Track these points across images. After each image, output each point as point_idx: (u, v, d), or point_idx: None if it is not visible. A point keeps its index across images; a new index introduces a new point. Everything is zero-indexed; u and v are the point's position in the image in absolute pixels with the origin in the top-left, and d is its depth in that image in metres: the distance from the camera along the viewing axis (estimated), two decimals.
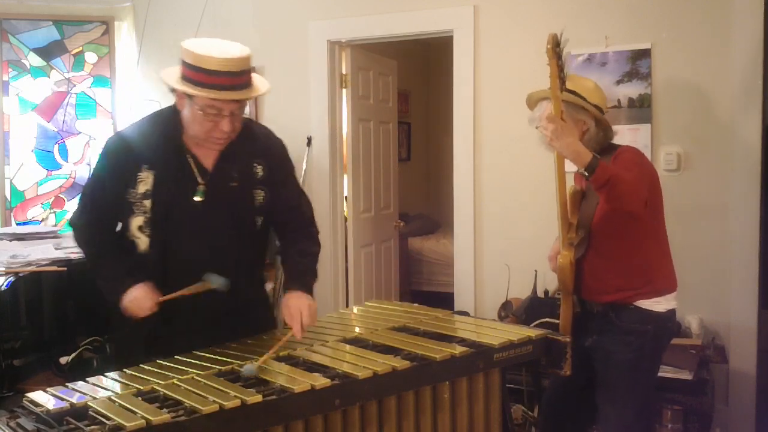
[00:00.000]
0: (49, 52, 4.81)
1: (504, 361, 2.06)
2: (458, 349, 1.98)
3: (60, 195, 4.90)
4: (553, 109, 2.27)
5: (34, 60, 4.79)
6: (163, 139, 2.15)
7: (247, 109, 2.32)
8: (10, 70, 4.73)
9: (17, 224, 4.72)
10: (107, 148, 2.23)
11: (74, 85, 4.87)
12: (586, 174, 2.18)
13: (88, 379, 1.81)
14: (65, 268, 3.28)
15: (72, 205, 4.91)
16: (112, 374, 1.86)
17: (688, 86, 3.47)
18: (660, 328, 2.43)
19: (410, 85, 7.15)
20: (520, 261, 3.78)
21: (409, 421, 1.88)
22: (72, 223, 2.30)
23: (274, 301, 3.49)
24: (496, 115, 3.89)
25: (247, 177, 2.20)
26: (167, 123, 2.17)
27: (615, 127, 2.54)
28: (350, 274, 4.50)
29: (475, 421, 2.02)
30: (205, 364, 1.89)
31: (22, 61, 4.76)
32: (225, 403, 1.57)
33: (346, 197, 4.56)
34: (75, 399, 1.64)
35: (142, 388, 1.71)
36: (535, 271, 3.56)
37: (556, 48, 2.19)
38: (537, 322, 3.14)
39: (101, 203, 2.20)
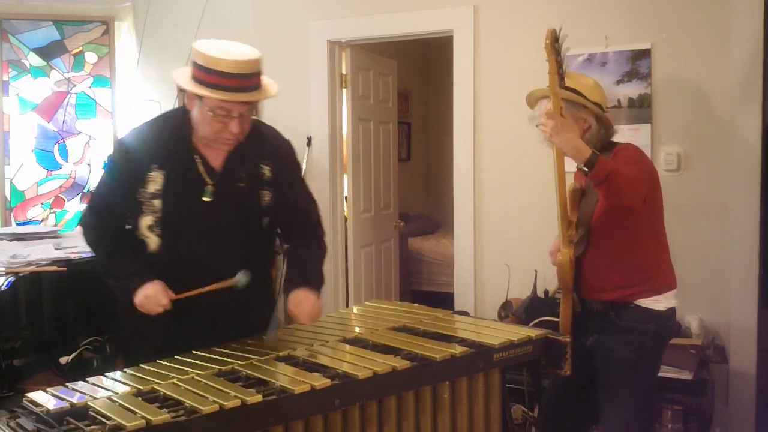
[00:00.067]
0: (49, 52, 4.81)
1: (504, 361, 2.06)
2: (458, 349, 1.98)
3: (60, 195, 4.90)
4: (552, 106, 2.26)
5: (34, 60, 4.79)
6: (172, 139, 2.17)
7: None
8: (10, 70, 4.73)
9: (17, 224, 4.72)
10: (117, 148, 2.26)
11: (74, 85, 4.87)
12: (586, 170, 2.18)
13: (88, 379, 1.81)
14: (65, 268, 3.28)
15: (72, 205, 4.91)
16: (112, 374, 1.86)
17: (688, 86, 3.47)
18: (660, 326, 2.43)
19: (410, 85, 7.15)
20: (520, 261, 3.78)
21: (409, 421, 1.88)
22: (82, 223, 2.31)
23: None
24: (496, 115, 3.89)
25: (254, 178, 2.22)
26: (177, 123, 2.19)
27: (615, 128, 2.54)
28: (350, 274, 4.51)
29: (475, 421, 2.02)
30: (205, 364, 1.89)
31: (22, 61, 4.76)
32: (225, 403, 1.57)
33: (346, 197, 4.56)
34: (75, 399, 1.64)
35: (142, 388, 1.71)
36: (535, 271, 3.56)
37: (554, 43, 2.19)
38: (537, 320, 3.14)
39: (111, 203, 2.21)
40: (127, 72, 4.89)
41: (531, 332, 2.17)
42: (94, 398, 1.65)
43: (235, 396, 1.61)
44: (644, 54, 3.53)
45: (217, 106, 2.03)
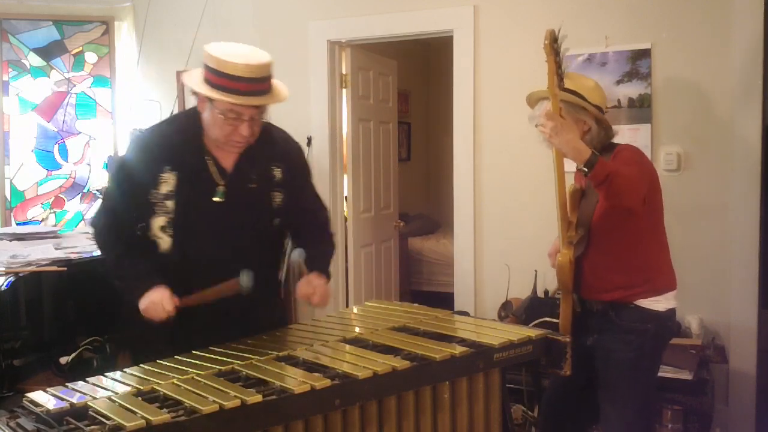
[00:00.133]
0: (49, 52, 4.82)
1: (504, 361, 2.06)
2: (458, 349, 1.97)
3: (60, 195, 4.90)
4: (552, 106, 2.26)
5: (34, 60, 4.79)
6: (184, 140, 2.19)
7: None
8: (10, 70, 4.73)
9: (17, 224, 4.72)
10: (130, 149, 2.28)
11: (74, 85, 4.87)
12: (585, 170, 2.18)
13: (88, 379, 1.81)
14: (65, 268, 3.27)
15: (72, 205, 4.92)
16: (112, 374, 1.86)
17: (688, 86, 3.47)
18: (660, 327, 2.43)
19: (410, 85, 7.15)
20: (520, 261, 3.78)
21: (409, 421, 1.88)
22: (93, 224, 2.33)
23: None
24: (496, 115, 3.90)
25: (265, 179, 2.25)
26: (188, 125, 2.21)
27: (615, 127, 2.54)
28: (350, 274, 4.51)
29: (475, 421, 2.02)
30: (205, 364, 1.89)
31: (22, 61, 4.76)
32: (225, 403, 1.56)
33: (346, 197, 4.56)
34: (75, 399, 1.64)
35: (142, 388, 1.71)
36: (535, 271, 3.56)
37: (553, 44, 2.19)
38: (536, 321, 3.14)
39: (123, 205, 2.23)
40: (127, 72, 4.89)
41: (531, 332, 2.17)
42: (94, 398, 1.65)
43: (235, 396, 1.60)
44: (644, 54, 3.53)
45: (228, 109, 2.06)
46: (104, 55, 4.91)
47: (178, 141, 2.19)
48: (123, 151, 4.75)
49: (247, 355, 1.94)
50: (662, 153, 3.52)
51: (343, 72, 4.43)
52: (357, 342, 2.09)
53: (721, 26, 3.39)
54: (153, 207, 2.15)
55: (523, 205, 3.85)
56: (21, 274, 3.13)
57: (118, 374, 1.86)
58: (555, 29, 2.20)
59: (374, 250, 4.82)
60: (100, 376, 1.84)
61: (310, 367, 1.86)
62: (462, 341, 2.07)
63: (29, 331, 3.18)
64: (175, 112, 4.50)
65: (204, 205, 2.18)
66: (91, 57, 4.89)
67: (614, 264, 2.42)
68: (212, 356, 1.96)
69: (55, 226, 4.72)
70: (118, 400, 1.62)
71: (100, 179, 4.89)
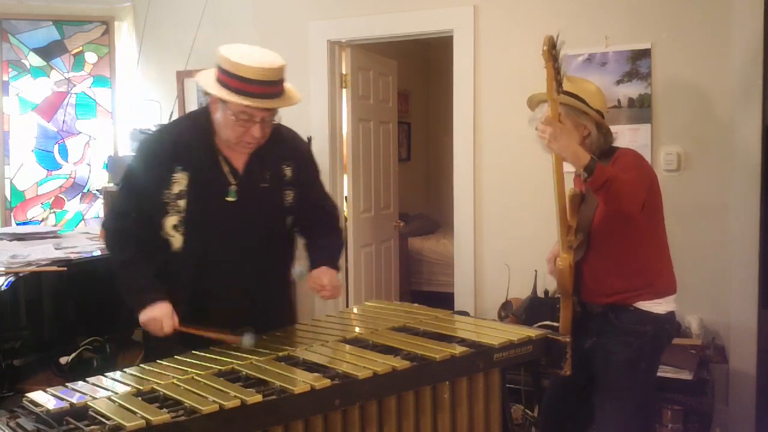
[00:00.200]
0: (49, 52, 4.82)
1: (504, 361, 2.06)
2: (458, 349, 1.97)
3: (60, 195, 4.90)
4: (550, 112, 2.27)
5: (34, 60, 4.79)
6: (196, 141, 2.22)
7: None
8: (10, 70, 4.73)
9: (17, 224, 4.72)
10: (142, 150, 2.30)
11: (74, 85, 4.87)
12: (585, 175, 2.19)
13: (88, 379, 1.81)
14: (65, 268, 3.28)
15: (72, 205, 4.92)
16: (112, 374, 1.86)
17: (688, 86, 3.47)
18: (659, 329, 2.43)
19: (410, 85, 7.15)
20: (520, 261, 3.78)
21: (409, 421, 1.88)
22: (104, 225, 2.36)
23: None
24: (496, 115, 3.89)
25: (276, 178, 2.28)
26: (200, 125, 2.23)
27: (615, 127, 2.55)
28: (350, 274, 4.50)
29: (475, 421, 2.02)
30: (205, 364, 1.89)
31: (22, 61, 4.76)
32: (225, 403, 1.57)
33: (346, 197, 4.56)
34: (75, 399, 1.64)
35: (142, 388, 1.71)
36: (535, 271, 3.56)
37: (552, 50, 2.19)
38: (536, 325, 3.13)
39: (135, 205, 2.24)
40: (127, 72, 4.89)
41: (531, 332, 2.17)
42: (94, 398, 1.65)
43: (235, 396, 1.61)
44: (644, 54, 3.53)
45: (241, 110, 2.08)
46: (104, 55, 4.91)
47: (190, 141, 2.21)
48: (125, 150, 4.77)
49: (247, 355, 1.94)
50: (662, 153, 3.52)
51: (343, 72, 4.43)
52: (357, 342, 2.09)
53: (721, 26, 3.39)
54: (165, 207, 2.18)
55: (523, 205, 3.85)
56: (21, 274, 3.13)
57: (118, 374, 1.86)
58: (554, 35, 2.20)
59: (374, 250, 4.82)
60: (100, 376, 1.84)
61: (310, 367, 1.86)
62: (462, 341, 2.07)
63: (29, 331, 3.19)
64: (175, 112, 4.51)
65: (216, 205, 2.21)
66: (91, 57, 4.90)
67: (614, 268, 2.42)
68: (212, 356, 1.97)
69: (55, 226, 4.73)
70: (118, 400, 1.62)
71: (100, 179, 4.89)
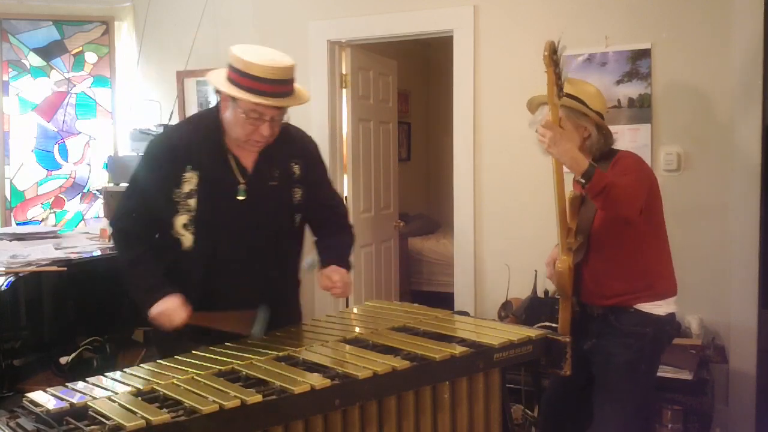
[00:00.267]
0: (49, 52, 4.82)
1: (504, 361, 2.06)
2: (458, 349, 1.97)
3: (60, 195, 4.90)
4: (551, 116, 2.27)
5: (34, 60, 4.79)
6: (205, 140, 2.24)
7: None
8: (10, 70, 4.73)
9: (17, 224, 4.72)
10: (152, 150, 2.32)
11: (74, 85, 4.87)
12: (583, 181, 2.19)
13: (88, 379, 1.81)
14: (65, 268, 3.28)
15: (72, 205, 4.92)
16: (112, 374, 1.86)
17: (688, 86, 3.47)
18: (659, 331, 2.43)
19: (410, 85, 7.15)
20: (520, 261, 3.78)
21: (409, 421, 1.88)
22: (113, 224, 2.36)
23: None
24: (496, 115, 3.89)
25: (285, 176, 2.31)
26: (210, 125, 2.26)
27: (615, 127, 2.55)
28: (350, 274, 4.49)
29: (475, 421, 2.02)
30: (205, 364, 1.89)
31: (22, 61, 4.76)
32: (225, 403, 1.57)
33: (346, 197, 4.55)
34: (75, 399, 1.64)
35: (142, 388, 1.71)
36: (535, 271, 3.56)
37: (553, 55, 2.19)
38: (536, 326, 3.13)
39: (144, 205, 2.26)
40: (127, 72, 4.89)
41: (531, 332, 2.17)
42: (94, 398, 1.65)
43: (235, 396, 1.61)
44: (644, 54, 3.53)
45: (251, 109, 2.11)
46: (104, 55, 4.91)
47: (199, 140, 2.24)
48: (125, 150, 4.77)
49: (247, 355, 1.94)
50: (662, 153, 3.52)
51: (343, 72, 4.43)
52: (357, 342, 2.09)
53: (721, 26, 3.39)
54: (176, 206, 2.20)
55: (523, 205, 3.85)
56: (21, 274, 3.13)
57: (118, 374, 1.86)
58: (554, 41, 2.20)
59: (374, 250, 4.81)
60: (100, 376, 1.84)
61: (310, 367, 1.86)
62: (462, 341, 2.08)
63: (29, 331, 3.19)
64: (175, 112, 4.51)
65: (226, 204, 2.23)
66: (91, 57, 4.89)
67: (615, 271, 2.42)
68: (212, 356, 1.96)
69: (55, 226, 4.72)
70: (118, 400, 1.62)
71: (100, 179, 4.89)
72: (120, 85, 4.91)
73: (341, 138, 4.47)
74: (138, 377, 1.81)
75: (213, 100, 4.51)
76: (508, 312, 3.54)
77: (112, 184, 4.46)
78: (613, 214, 2.29)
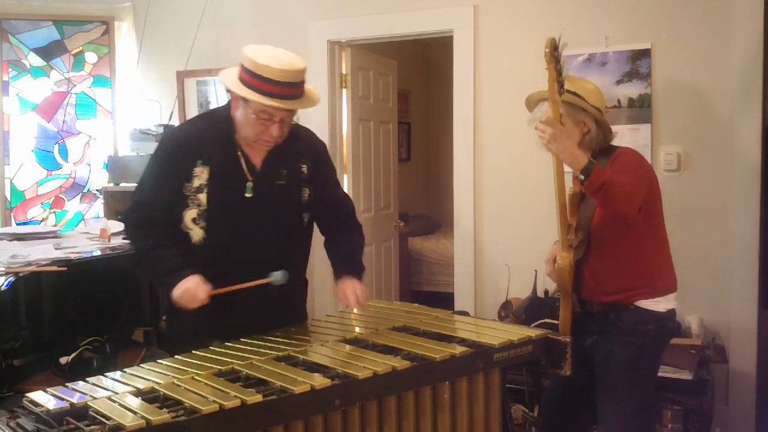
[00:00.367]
0: (49, 52, 4.82)
1: (504, 361, 2.06)
2: (458, 349, 1.98)
3: (60, 195, 4.90)
4: (551, 113, 2.27)
5: (34, 60, 4.79)
6: (216, 136, 2.27)
7: None
8: (10, 70, 4.73)
9: (17, 224, 4.72)
10: (164, 145, 2.36)
11: (74, 85, 4.87)
12: (582, 178, 2.19)
13: (88, 379, 1.81)
14: (65, 268, 3.27)
15: (72, 205, 4.92)
16: (112, 374, 1.86)
17: (688, 86, 3.47)
18: (660, 328, 2.43)
19: (410, 85, 7.15)
20: (520, 261, 3.78)
21: (409, 421, 1.88)
22: (125, 219, 2.40)
23: None
24: (496, 115, 3.89)
25: (293, 175, 2.34)
26: (221, 122, 2.29)
27: (615, 127, 2.55)
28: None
29: (475, 421, 2.02)
30: (205, 364, 1.89)
31: (22, 61, 4.76)
32: (225, 403, 1.57)
33: None
34: (75, 399, 1.64)
35: (142, 388, 1.71)
36: (535, 271, 3.56)
37: (554, 52, 2.20)
38: (537, 323, 3.14)
39: (157, 198, 2.29)
40: (127, 72, 4.89)
41: (531, 332, 2.17)
42: (94, 398, 1.65)
43: (235, 396, 1.61)
44: (644, 54, 3.53)
45: (261, 110, 2.14)
46: (104, 55, 4.91)
47: (211, 136, 2.27)
48: (125, 150, 4.77)
49: (247, 355, 1.94)
50: (662, 153, 3.52)
51: (343, 72, 4.43)
52: (357, 342, 2.09)
53: (721, 26, 3.39)
54: (186, 200, 2.23)
55: (523, 205, 3.85)
56: (21, 274, 3.12)
57: (118, 374, 1.86)
58: (555, 37, 2.20)
59: (374, 250, 4.81)
60: (100, 376, 1.84)
61: (310, 367, 1.86)
62: (462, 341, 2.08)
63: (29, 331, 3.18)
64: (175, 112, 4.51)
65: (234, 200, 2.26)
66: (91, 57, 4.89)
67: (615, 267, 2.42)
68: (212, 356, 1.96)
69: (55, 226, 4.72)
70: (118, 400, 1.62)
71: (100, 179, 4.89)
72: (120, 85, 4.91)
73: (341, 138, 4.47)
74: (138, 377, 1.81)
75: (213, 101, 4.52)
76: (508, 312, 3.54)
77: (112, 184, 4.47)
78: (612, 212, 2.29)
